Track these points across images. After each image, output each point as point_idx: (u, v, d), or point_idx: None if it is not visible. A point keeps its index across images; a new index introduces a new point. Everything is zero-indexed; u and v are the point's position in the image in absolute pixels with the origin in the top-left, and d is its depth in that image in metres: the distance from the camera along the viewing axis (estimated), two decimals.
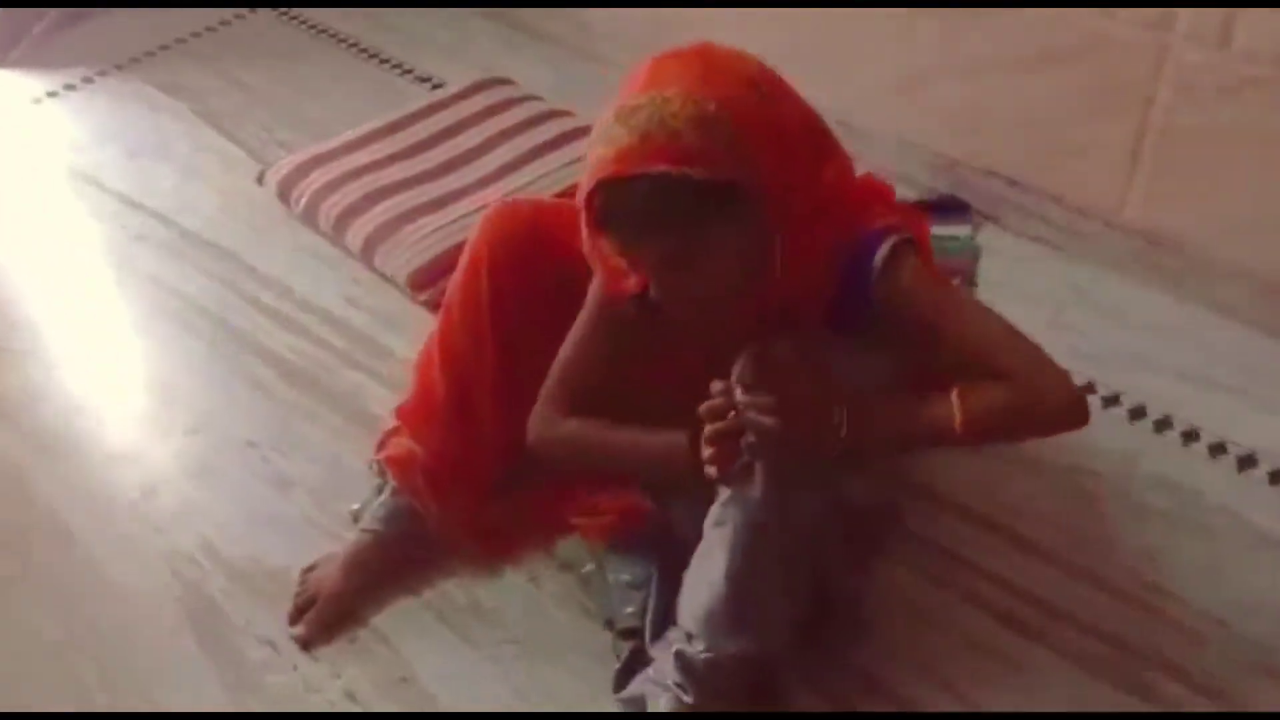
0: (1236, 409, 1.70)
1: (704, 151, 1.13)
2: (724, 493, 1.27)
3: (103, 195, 2.29)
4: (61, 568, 1.60)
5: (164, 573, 1.57)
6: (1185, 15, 1.69)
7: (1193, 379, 1.75)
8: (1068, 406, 1.26)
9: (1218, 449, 1.65)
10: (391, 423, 1.61)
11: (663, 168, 1.12)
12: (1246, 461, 1.63)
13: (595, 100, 2.30)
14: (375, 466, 1.60)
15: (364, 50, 2.72)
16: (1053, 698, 1.37)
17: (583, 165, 1.20)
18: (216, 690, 1.44)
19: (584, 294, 1.45)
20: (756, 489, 1.23)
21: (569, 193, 1.53)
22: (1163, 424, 1.69)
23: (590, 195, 1.17)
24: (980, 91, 1.97)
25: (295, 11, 2.87)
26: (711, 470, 1.23)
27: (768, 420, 1.17)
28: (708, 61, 1.20)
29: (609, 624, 1.46)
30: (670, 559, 1.44)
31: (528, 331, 1.51)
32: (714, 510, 1.29)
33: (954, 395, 1.22)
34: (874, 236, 1.27)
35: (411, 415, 1.58)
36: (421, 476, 1.53)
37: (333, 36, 2.78)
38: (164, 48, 2.76)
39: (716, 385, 1.21)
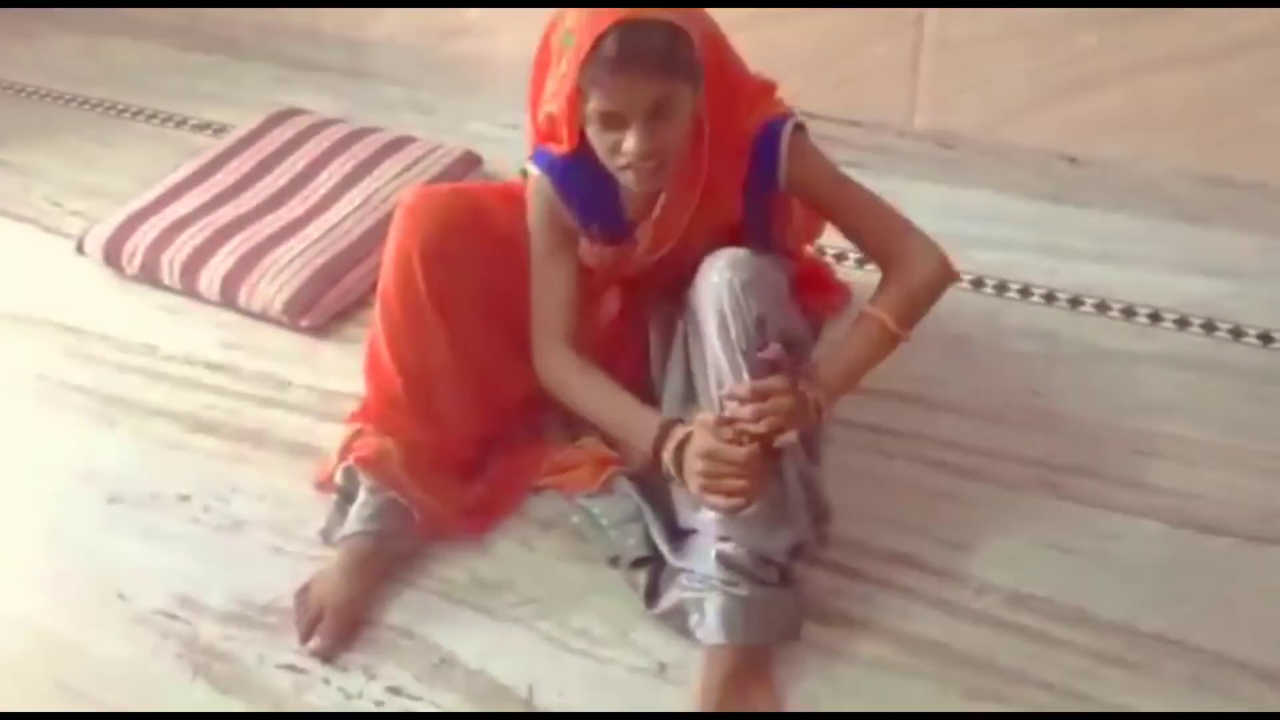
0: (1049, 263, 2.01)
1: (686, 20, 1.33)
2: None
3: None
4: (43, 662, 1.50)
5: (151, 636, 1.51)
6: None
7: (1010, 248, 2.04)
8: (943, 263, 1.50)
9: (1049, 297, 1.95)
10: (347, 431, 1.63)
11: (672, 20, 1.30)
12: (1074, 301, 1.93)
13: (384, 114, 2.41)
14: (342, 475, 1.60)
15: (125, 110, 2.62)
16: (995, 519, 1.59)
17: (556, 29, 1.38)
18: None
19: (516, 261, 1.55)
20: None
21: None
22: (1001, 288, 1.97)
23: (596, 41, 1.28)
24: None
25: (32, 84, 2.72)
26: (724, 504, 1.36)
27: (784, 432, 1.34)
28: None
29: (613, 561, 1.55)
30: (649, 489, 1.56)
31: (471, 309, 1.57)
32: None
33: (878, 312, 1.45)
34: (776, 121, 1.47)
35: (376, 413, 1.60)
36: (399, 468, 1.56)
37: (84, 103, 2.67)
38: None
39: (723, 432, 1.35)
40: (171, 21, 2.83)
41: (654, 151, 1.35)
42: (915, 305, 1.49)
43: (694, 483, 1.36)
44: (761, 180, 1.48)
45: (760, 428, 1.33)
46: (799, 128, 1.48)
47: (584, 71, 1.31)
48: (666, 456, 1.39)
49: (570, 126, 1.40)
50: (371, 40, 2.66)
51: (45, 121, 2.60)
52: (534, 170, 1.51)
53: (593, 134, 1.38)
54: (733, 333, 1.39)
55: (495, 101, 2.52)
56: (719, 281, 1.41)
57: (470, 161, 2.28)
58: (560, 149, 1.45)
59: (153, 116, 2.59)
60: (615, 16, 1.29)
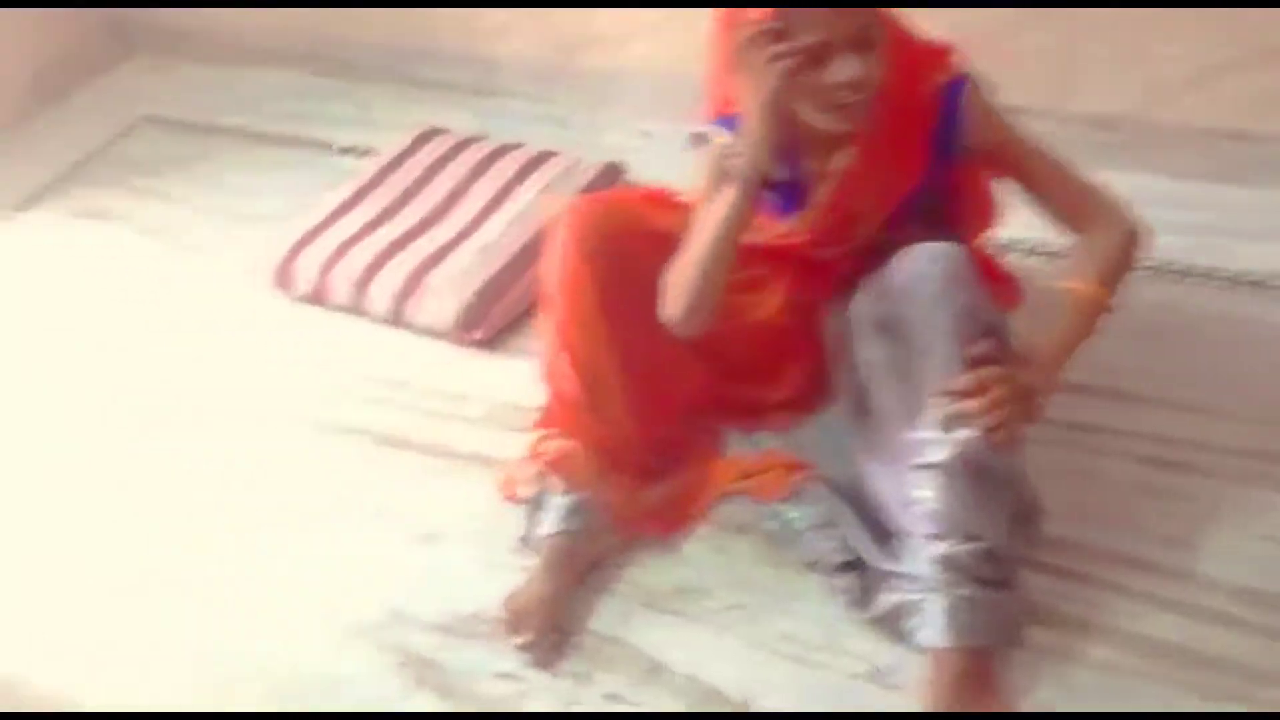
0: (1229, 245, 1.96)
1: None
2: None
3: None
4: (258, 673, 1.54)
5: (364, 649, 1.54)
6: None
7: (1185, 231, 1.97)
8: (1135, 224, 1.50)
9: (1234, 280, 1.91)
10: (533, 437, 1.65)
11: None
12: (1257, 285, 1.89)
13: (518, 128, 2.42)
14: (533, 481, 1.62)
15: (266, 137, 2.68)
16: (1215, 513, 1.55)
17: None
18: None
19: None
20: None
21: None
22: (1184, 273, 1.93)
23: None
24: None
25: (176, 118, 2.80)
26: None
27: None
28: None
29: (813, 565, 1.54)
30: (845, 492, 1.55)
31: (636, 310, 1.55)
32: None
33: (1082, 283, 1.45)
34: (957, 81, 1.47)
35: (558, 417, 1.62)
36: (588, 467, 1.58)
37: (225, 132, 2.73)
38: (58, 179, 2.62)
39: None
40: (294, 49, 2.88)
41: (862, 82, 1.36)
42: (1116, 269, 1.49)
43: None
44: (945, 142, 1.49)
45: (987, 422, 1.31)
46: (978, 87, 1.48)
47: (785, 13, 1.33)
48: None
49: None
50: (498, 56, 2.67)
51: (194, 153, 2.66)
52: (716, 133, 1.49)
53: (792, 84, 1.37)
54: (942, 326, 1.37)
55: (629, 110, 2.53)
56: (922, 273, 1.39)
57: (613, 173, 2.28)
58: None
59: (294, 142, 2.64)
60: None
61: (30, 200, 2.57)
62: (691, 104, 2.38)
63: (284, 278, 2.14)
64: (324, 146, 2.60)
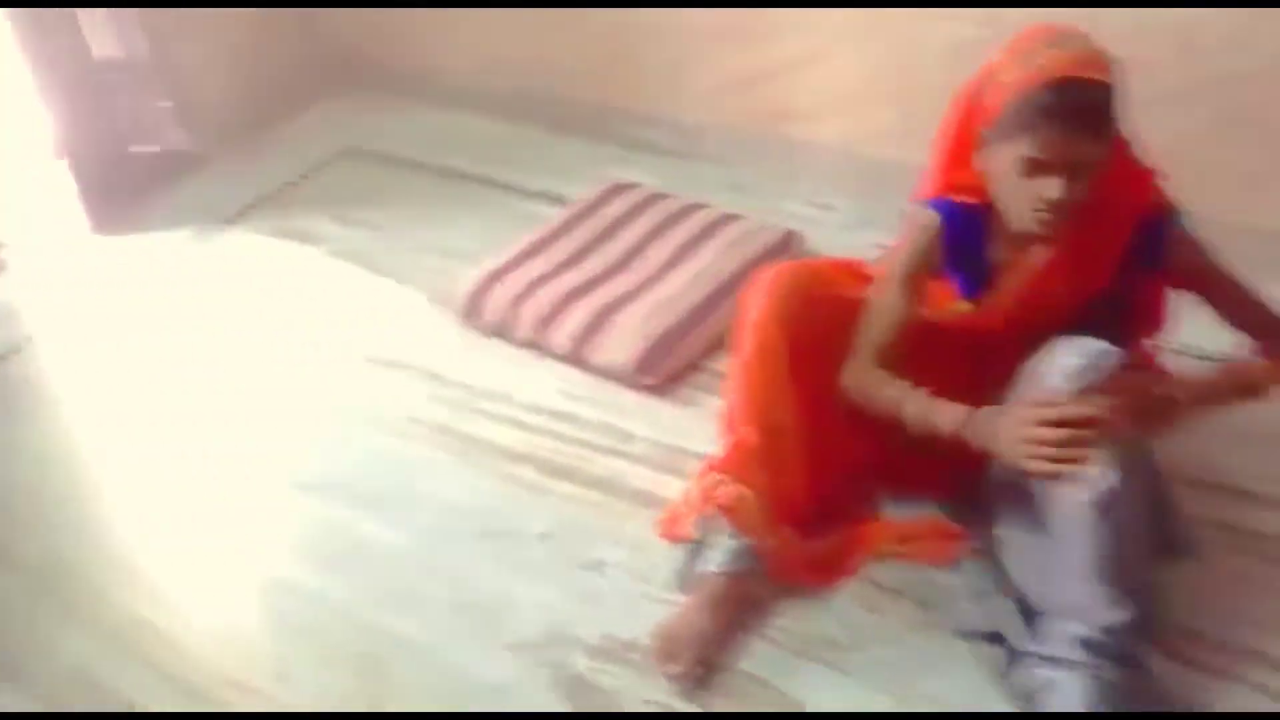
0: None
1: (1117, 83, 1.42)
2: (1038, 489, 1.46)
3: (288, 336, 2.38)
4: (420, 678, 1.65)
5: (523, 664, 1.64)
6: None
7: None
8: None
9: None
10: (707, 480, 1.73)
11: (1108, 80, 1.41)
12: None
13: (706, 194, 2.54)
14: (699, 523, 1.70)
15: (466, 178, 2.86)
16: None
17: (990, 81, 1.47)
18: None
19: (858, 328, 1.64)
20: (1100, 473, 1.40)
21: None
22: None
23: (1041, 90, 1.39)
24: None
25: (377, 149, 3.01)
26: (1052, 468, 1.41)
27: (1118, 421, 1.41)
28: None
29: (963, 634, 1.58)
30: (999, 565, 1.60)
31: (821, 374, 1.65)
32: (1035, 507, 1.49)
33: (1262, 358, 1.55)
34: (1168, 209, 1.55)
35: (735, 464, 1.70)
36: (756, 515, 1.65)
37: (429, 170, 2.92)
38: (264, 199, 2.86)
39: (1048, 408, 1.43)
40: (503, 98, 3.07)
41: (1069, 206, 1.44)
42: None
43: (1013, 447, 1.43)
44: (1142, 259, 1.55)
45: (1090, 410, 1.40)
46: (1182, 219, 1.54)
47: (1019, 117, 1.41)
48: (977, 425, 1.48)
49: (986, 178, 1.50)
50: (697, 122, 2.80)
51: (396, 186, 2.86)
52: (928, 211, 1.60)
53: (1006, 179, 1.46)
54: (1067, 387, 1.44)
55: (810, 184, 2.64)
56: (1062, 359, 1.47)
57: (791, 238, 2.38)
58: (968, 199, 1.55)
59: (493, 184, 2.81)
60: (1063, 68, 1.39)
61: (237, 216, 2.81)
62: (872, 183, 2.49)
63: (472, 309, 2.28)
64: (518, 191, 2.76)
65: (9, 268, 2.69)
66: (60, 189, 2.79)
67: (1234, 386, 1.54)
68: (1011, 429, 1.44)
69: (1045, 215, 1.45)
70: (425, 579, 1.79)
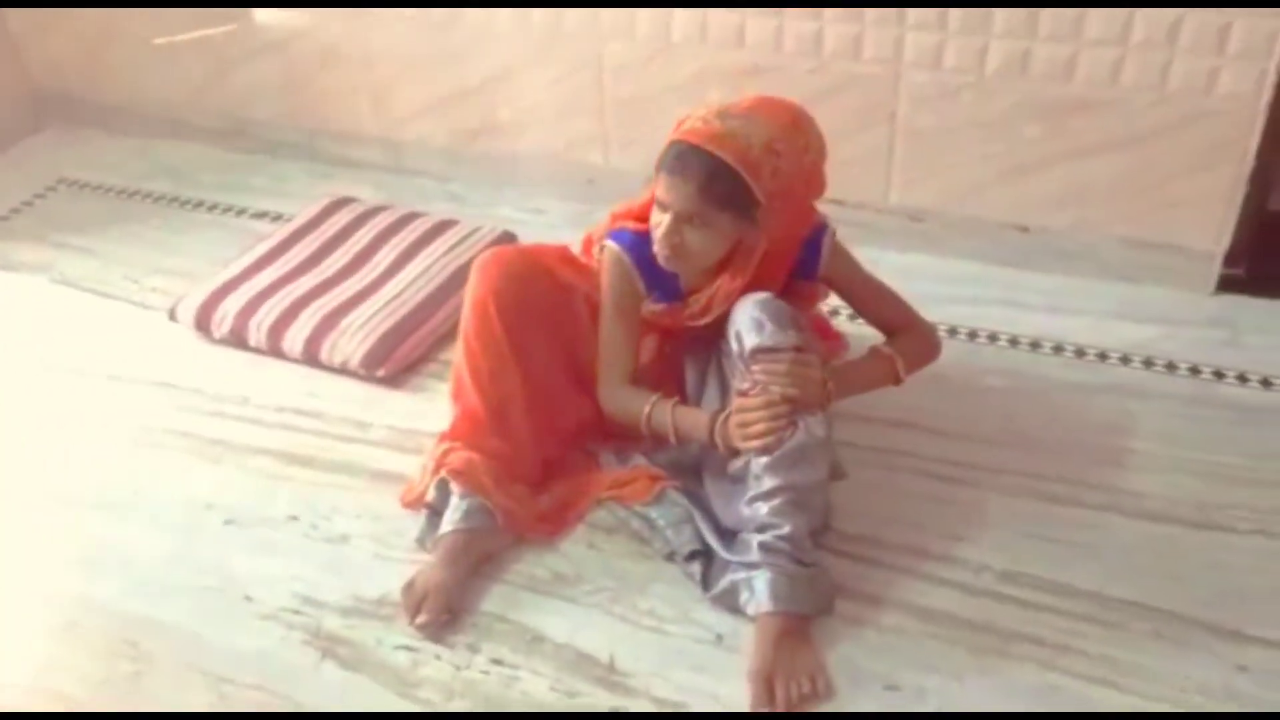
0: (1010, 315, 2.39)
1: (756, 170, 1.66)
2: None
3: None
4: (180, 652, 1.75)
5: (279, 629, 1.77)
6: (910, 46, 2.37)
7: (976, 303, 2.41)
8: (936, 341, 1.95)
9: (1012, 341, 2.31)
10: (437, 448, 1.92)
11: (726, 158, 1.65)
12: (1034, 345, 2.30)
13: (421, 202, 2.74)
14: (434, 488, 1.89)
15: (185, 202, 2.93)
16: (987, 517, 1.91)
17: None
18: (390, 695, 1.67)
19: (574, 309, 1.93)
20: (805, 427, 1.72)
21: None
22: (971, 335, 2.34)
23: (669, 143, 1.70)
24: None
25: (96, 181, 3.03)
26: (759, 444, 1.71)
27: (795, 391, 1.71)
28: (795, 115, 1.74)
29: (670, 556, 1.84)
30: (695, 497, 1.89)
31: (538, 347, 1.90)
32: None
33: (892, 353, 1.87)
34: (820, 230, 1.87)
35: (463, 432, 1.91)
36: (485, 476, 1.86)
37: (146, 197, 2.97)
38: None
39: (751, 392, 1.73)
40: (215, 125, 3.15)
41: (673, 246, 1.74)
42: (915, 362, 1.91)
43: (736, 438, 1.72)
44: (802, 271, 1.89)
45: (784, 383, 1.69)
46: (833, 233, 1.89)
47: (659, 159, 1.71)
48: (717, 435, 1.76)
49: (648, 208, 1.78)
50: (407, 140, 2.98)
51: (114, 213, 2.90)
52: (610, 245, 1.87)
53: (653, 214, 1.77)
54: (767, 327, 1.73)
55: (520, 190, 2.88)
56: (752, 302, 1.76)
57: (506, 239, 2.61)
58: (637, 226, 1.83)
59: (213, 207, 2.90)
60: (687, 133, 1.68)
61: None
62: (578, 186, 2.75)
63: (203, 323, 2.38)
64: (239, 211, 2.86)
65: None
66: None
67: (875, 376, 1.87)
68: (736, 429, 1.73)
69: (663, 248, 1.75)
70: (180, 570, 1.89)
